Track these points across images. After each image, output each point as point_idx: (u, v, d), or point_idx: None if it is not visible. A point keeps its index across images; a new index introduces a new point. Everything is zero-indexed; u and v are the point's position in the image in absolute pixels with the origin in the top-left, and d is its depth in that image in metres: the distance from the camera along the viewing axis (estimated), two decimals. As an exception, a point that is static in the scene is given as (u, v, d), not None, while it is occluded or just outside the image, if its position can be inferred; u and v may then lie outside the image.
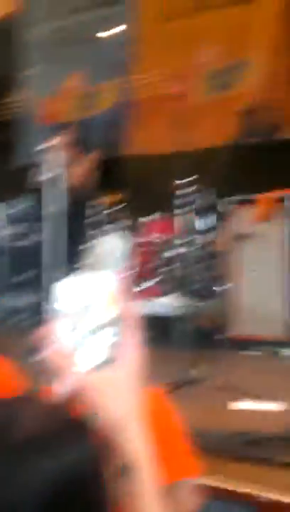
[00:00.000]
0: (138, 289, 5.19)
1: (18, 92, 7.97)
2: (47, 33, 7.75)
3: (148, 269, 5.30)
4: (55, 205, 4.23)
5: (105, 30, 7.34)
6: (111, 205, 5.92)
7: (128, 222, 5.72)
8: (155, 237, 5.30)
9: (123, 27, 7.13)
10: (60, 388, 0.77)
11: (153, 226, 5.37)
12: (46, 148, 4.25)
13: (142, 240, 5.43)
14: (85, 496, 0.76)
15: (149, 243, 5.31)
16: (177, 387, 3.13)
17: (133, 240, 5.57)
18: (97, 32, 7.38)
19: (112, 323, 0.77)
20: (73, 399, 0.78)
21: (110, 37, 7.30)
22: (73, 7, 7.59)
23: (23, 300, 5.35)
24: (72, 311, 0.75)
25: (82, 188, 4.40)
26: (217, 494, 2.11)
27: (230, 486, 2.16)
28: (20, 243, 6.00)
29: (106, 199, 6.17)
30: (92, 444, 0.77)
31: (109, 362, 0.77)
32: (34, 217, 4.50)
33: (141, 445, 0.78)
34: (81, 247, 4.69)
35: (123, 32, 7.11)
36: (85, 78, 7.20)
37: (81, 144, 4.45)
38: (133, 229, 5.82)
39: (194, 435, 1.49)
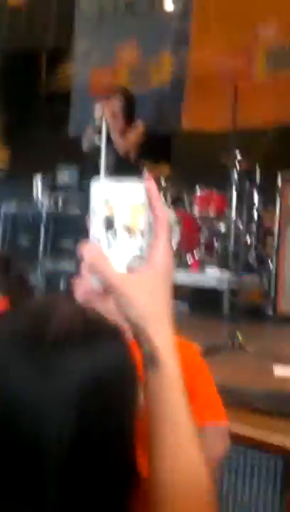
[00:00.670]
0: (187, 260, 5.12)
1: (72, 63, 7.91)
2: (98, 5, 7.63)
3: (197, 242, 5.19)
4: (100, 174, 4.19)
5: (164, 1, 7.17)
6: (162, 177, 5.83)
7: (180, 195, 5.62)
8: (207, 210, 5.20)
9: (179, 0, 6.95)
10: (92, 284, 0.77)
11: (205, 199, 5.27)
12: (94, 118, 4.22)
13: (193, 212, 5.34)
14: (119, 396, 0.76)
15: (200, 216, 5.22)
16: (216, 350, 3.03)
17: (184, 213, 5.47)
18: (151, 3, 7.21)
19: (145, 226, 0.76)
20: (105, 294, 0.77)
21: (169, 8, 7.15)
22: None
23: (67, 265, 5.32)
24: (105, 211, 0.75)
25: (128, 159, 4.33)
26: (245, 443, 2.12)
27: (259, 436, 2.13)
28: (67, 211, 6.00)
29: (159, 171, 6.07)
30: (124, 341, 0.78)
31: (140, 263, 0.76)
32: (80, 186, 4.45)
33: (169, 341, 0.76)
34: None
35: (182, 3, 6.94)
36: (140, 50, 7.10)
37: (128, 115, 4.37)
38: (183, 201, 5.73)
39: (226, 390, 1.54)
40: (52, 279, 5.94)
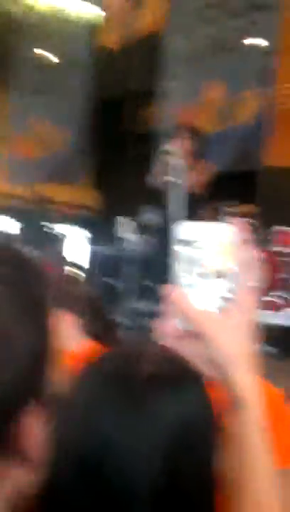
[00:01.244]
0: (268, 299, 5.03)
1: (159, 103, 8.05)
2: (188, 44, 7.74)
3: (279, 280, 5.10)
4: (176, 213, 4.17)
5: (247, 38, 7.19)
6: (246, 216, 5.78)
7: (262, 233, 5.55)
8: (284, 247, 5.11)
9: (266, 36, 6.94)
10: (176, 327, 0.78)
11: (282, 236, 5.18)
12: (169, 155, 4.22)
13: (275, 249, 5.26)
14: (204, 441, 0.75)
15: (282, 253, 5.13)
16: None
17: (266, 250, 5.40)
18: (239, 40, 7.24)
19: (231, 269, 0.76)
20: (188, 337, 0.78)
21: (252, 45, 7.15)
22: (214, 16, 7.51)
23: (151, 306, 5.37)
24: (190, 253, 0.75)
25: (199, 197, 4.32)
26: None
27: None
28: (149, 251, 6.07)
29: (242, 209, 6.03)
30: (204, 385, 0.77)
31: (225, 306, 0.76)
32: (160, 226, 4.49)
33: (252, 385, 0.75)
34: None
35: (268, 39, 6.91)
36: (226, 87, 7.13)
37: (199, 155, 4.36)
38: (267, 239, 5.65)
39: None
40: (139, 320, 6.02)
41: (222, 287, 0.75)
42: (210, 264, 0.75)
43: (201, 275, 0.75)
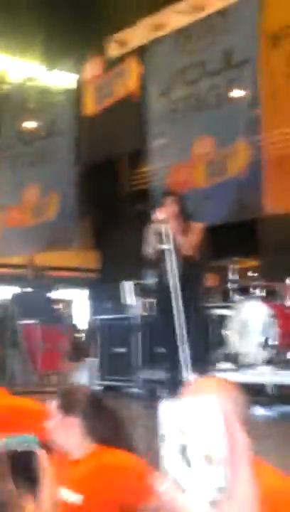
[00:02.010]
0: (286, 355, 4.87)
1: (149, 162, 8.09)
2: (169, 103, 7.84)
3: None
4: (172, 277, 4.17)
5: (230, 93, 7.28)
6: (248, 270, 5.70)
7: (268, 285, 5.44)
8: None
9: (249, 85, 7.02)
10: None
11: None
12: (160, 216, 4.26)
13: (285, 302, 5.12)
14: None
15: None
16: None
17: (276, 303, 5.28)
18: (222, 96, 7.33)
19: (220, 454, 0.67)
20: None
21: (236, 99, 7.22)
22: (194, 76, 7.65)
23: (160, 373, 5.21)
24: (179, 438, 0.68)
25: (193, 258, 4.30)
26: None
27: None
28: (152, 317, 5.97)
29: (244, 263, 5.95)
30: None
31: (220, 497, 0.67)
32: (159, 288, 4.43)
33: None
34: (202, 316, 4.54)
35: (250, 90, 6.99)
36: (215, 141, 7.17)
37: (185, 216, 4.39)
38: (274, 292, 5.54)
39: None
40: (149, 387, 5.86)
41: (213, 475, 0.67)
42: (197, 450, 0.67)
43: (189, 463, 0.68)
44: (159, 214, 4.28)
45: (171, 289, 4.10)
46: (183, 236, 4.28)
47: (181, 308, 4.05)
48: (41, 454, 1.36)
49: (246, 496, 0.67)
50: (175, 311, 4.02)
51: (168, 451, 0.68)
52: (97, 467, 1.83)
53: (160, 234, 4.27)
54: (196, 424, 0.67)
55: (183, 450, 0.67)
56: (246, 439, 0.68)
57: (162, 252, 4.28)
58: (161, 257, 4.31)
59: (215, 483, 0.67)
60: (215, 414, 0.67)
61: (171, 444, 0.68)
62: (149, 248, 4.41)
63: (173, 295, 4.07)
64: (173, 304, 4.05)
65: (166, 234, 4.20)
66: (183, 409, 0.68)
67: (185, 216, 4.42)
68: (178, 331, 4.03)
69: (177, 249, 4.21)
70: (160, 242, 4.26)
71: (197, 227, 4.46)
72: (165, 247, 4.21)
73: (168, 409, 0.69)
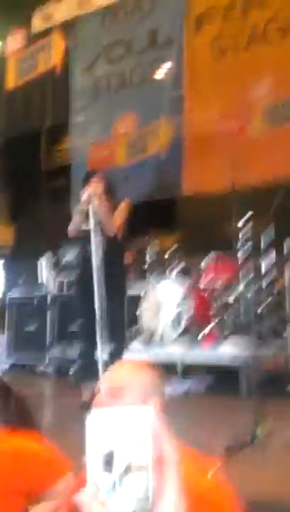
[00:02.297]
0: (198, 335, 4.87)
1: (70, 138, 7.94)
2: (96, 79, 7.73)
3: (207, 315, 4.95)
4: (96, 253, 4.09)
5: (155, 70, 7.23)
6: (166, 248, 5.68)
7: (184, 265, 5.43)
8: (213, 279, 4.97)
9: (173, 66, 6.99)
10: None
11: (210, 268, 5.04)
12: (85, 196, 4.17)
13: (199, 283, 5.11)
14: None
15: (207, 286, 4.99)
16: (239, 448, 2.73)
17: (190, 284, 5.28)
18: (147, 73, 7.28)
19: (147, 464, 0.66)
20: None
21: (161, 77, 7.18)
22: (119, 54, 7.57)
23: (75, 350, 5.11)
24: (104, 448, 0.66)
25: (117, 236, 4.24)
26: None
27: None
28: (69, 292, 5.87)
29: (162, 242, 5.92)
30: None
31: (147, 508, 0.66)
32: (80, 266, 4.32)
33: None
34: (124, 295, 4.48)
35: (173, 70, 6.97)
36: (137, 120, 7.10)
37: (111, 195, 4.33)
38: (190, 272, 5.54)
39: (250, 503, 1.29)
40: (60, 367, 5.75)
41: (141, 487, 0.66)
42: (121, 459, 0.66)
43: (117, 473, 0.66)
44: (84, 192, 4.17)
45: (94, 266, 4.01)
46: (107, 215, 4.19)
47: (103, 285, 3.97)
48: None
49: (174, 506, 0.65)
50: (96, 289, 3.94)
51: (91, 460, 0.66)
52: (0, 453, 1.73)
53: (84, 212, 4.17)
54: (122, 431, 0.66)
55: (107, 459, 0.66)
56: (175, 447, 0.66)
57: (85, 231, 4.18)
58: (85, 235, 4.21)
59: (141, 494, 0.65)
60: (143, 422, 0.66)
61: (95, 453, 0.66)
62: (73, 226, 4.30)
63: (95, 273, 3.98)
64: (95, 281, 3.96)
65: (91, 213, 4.10)
66: (110, 417, 0.67)
67: (109, 195, 4.33)
68: (97, 309, 3.93)
69: (101, 228, 4.12)
70: (85, 220, 4.15)
71: (122, 206, 4.39)
72: (89, 226, 4.11)
73: (95, 418, 0.67)
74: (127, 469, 0.65)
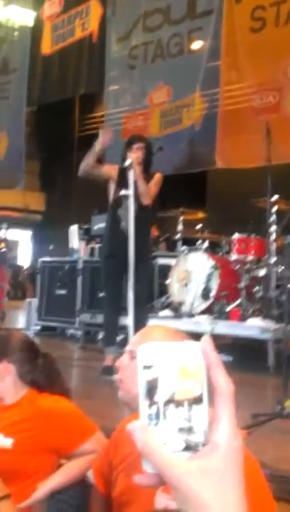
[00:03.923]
0: (226, 307, 4.94)
1: (104, 107, 7.95)
2: (131, 48, 7.68)
3: (236, 287, 5.02)
4: (126, 223, 4.12)
5: (193, 41, 7.17)
6: (195, 222, 5.72)
7: (214, 238, 5.48)
8: (243, 253, 5.01)
9: (211, 36, 6.92)
10: (145, 469, 0.61)
11: (241, 242, 5.07)
12: (122, 166, 4.18)
13: (229, 256, 5.16)
14: None
15: (237, 259, 5.03)
16: (262, 421, 2.81)
17: (220, 256, 5.34)
18: (184, 44, 7.22)
19: (198, 398, 0.62)
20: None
21: (198, 48, 7.12)
22: (155, 23, 7.49)
23: (99, 317, 5.21)
24: (150, 379, 0.64)
25: (148, 207, 4.26)
26: None
27: None
28: (95, 262, 5.95)
29: (193, 214, 5.97)
30: None
31: (198, 445, 0.61)
32: (111, 235, 4.37)
33: None
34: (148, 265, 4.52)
35: (210, 43, 6.90)
36: (172, 92, 7.08)
37: (148, 165, 4.33)
38: (220, 245, 5.60)
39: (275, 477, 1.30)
40: (89, 331, 5.89)
41: (185, 418, 0.63)
42: (171, 391, 0.63)
43: (164, 404, 0.63)
44: (126, 159, 4.17)
45: (127, 234, 4.04)
46: (143, 184, 4.21)
47: (133, 253, 4.01)
48: None
49: (230, 444, 0.60)
50: (129, 256, 3.98)
51: (143, 394, 0.64)
52: (29, 412, 1.83)
53: (122, 179, 4.18)
54: (173, 361, 0.64)
55: (153, 390, 0.64)
56: (228, 378, 0.62)
57: (121, 197, 4.21)
58: (119, 202, 4.24)
59: (184, 425, 0.62)
60: (195, 354, 0.64)
61: (145, 385, 0.64)
62: (84, 166, 4.29)
63: (128, 240, 4.02)
64: (129, 248, 4.00)
65: (130, 179, 4.11)
66: (162, 348, 0.65)
67: (146, 164, 4.35)
68: (129, 276, 3.99)
69: (136, 196, 4.14)
70: (123, 187, 4.17)
71: (157, 176, 4.41)
72: (127, 192, 4.13)
73: (146, 349, 0.65)
74: (174, 399, 0.63)
